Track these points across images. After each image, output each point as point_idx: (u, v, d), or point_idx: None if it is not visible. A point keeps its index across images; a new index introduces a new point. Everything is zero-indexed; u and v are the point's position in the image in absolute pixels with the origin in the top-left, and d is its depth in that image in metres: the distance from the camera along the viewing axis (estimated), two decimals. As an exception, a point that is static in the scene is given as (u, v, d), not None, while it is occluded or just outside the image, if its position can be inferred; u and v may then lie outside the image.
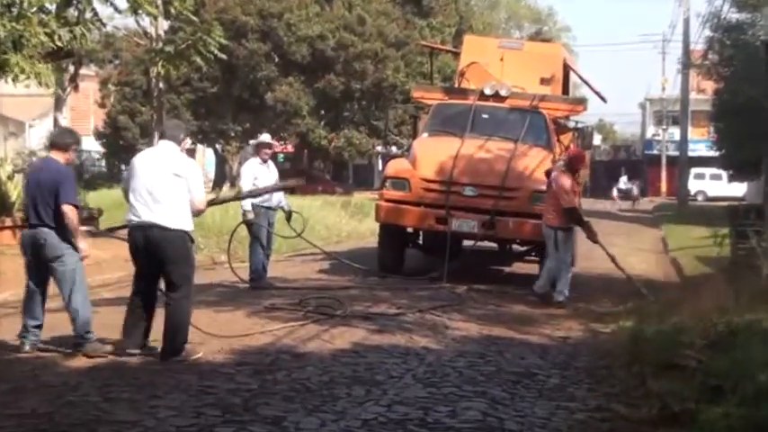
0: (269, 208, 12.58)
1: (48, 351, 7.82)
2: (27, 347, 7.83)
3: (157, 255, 7.60)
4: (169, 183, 7.53)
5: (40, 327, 8.00)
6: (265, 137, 13.29)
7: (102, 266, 14.11)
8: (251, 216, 12.39)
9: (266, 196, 12.46)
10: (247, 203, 12.36)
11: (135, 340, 7.71)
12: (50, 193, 7.71)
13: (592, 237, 12.20)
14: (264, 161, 12.65)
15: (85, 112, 46.69)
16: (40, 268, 7.90)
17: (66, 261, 7.84)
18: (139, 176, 7.63)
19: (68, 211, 7.71)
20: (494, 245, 15.50)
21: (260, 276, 12.53)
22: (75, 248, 7.87)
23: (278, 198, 12.74)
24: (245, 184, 12.51)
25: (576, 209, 11.87)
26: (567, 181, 11.70)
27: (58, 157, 7.99)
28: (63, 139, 8.19)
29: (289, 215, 12.90)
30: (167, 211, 7.50)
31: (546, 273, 12.08)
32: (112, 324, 8.96)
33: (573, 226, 12.11)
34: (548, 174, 12.36)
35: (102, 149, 44.56)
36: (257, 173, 12.51)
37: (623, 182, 58.76)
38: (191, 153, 54.78)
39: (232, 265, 12.64)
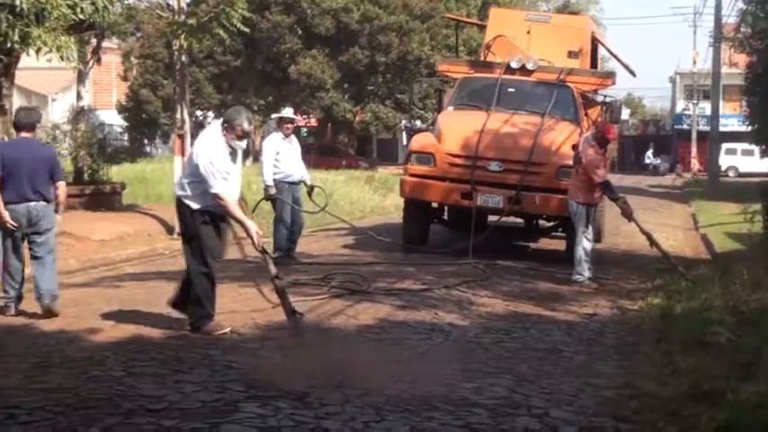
0: (292, 183, 12.62)
1: (72, 326, 7.89)
2: (12, 312, 8.39)
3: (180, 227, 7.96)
4: (190, 160, 7.73)
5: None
6: (288, 111, 13.31)
7: (126, 241, 14.25)
8: (273, 191, 12.45)
9: (288, 171, 12.50)
10: (269, 179, 12.41)
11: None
12: (47, 171, 8.53)
13: (627, 213, 11.84)
14: (287, 136, 12.66)
15: (108, 85, 46.78)
16: (24, 240, 8.54)
17: (53, 232, 8.71)
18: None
19: (64, 186, 8.84)
20: (520, 220, 15.48)
21: (284, 253, 12.58)
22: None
23: (301, 172, 12.76)
24: (267, 160, 12.54)
25: (609, 183, 11.71)
26: (596, 155, 11.55)
27: (31, 136, 8.68)
28: (31, 119, 8.79)
29: (310, 189, 12.94)
30: (182, 183, 7.70)
31: (583, 255, 11.70)
32: (134, 299, 9.11)
33: (597, 203, 12.00)
34: (575, 148, 12.24)
35: (124, 123, 44.68)
36: (279, 148, 12.53)
37: (648, 156, 58.50)
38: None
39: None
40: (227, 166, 7.57)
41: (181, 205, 7.69)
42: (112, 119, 42.55)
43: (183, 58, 17.02)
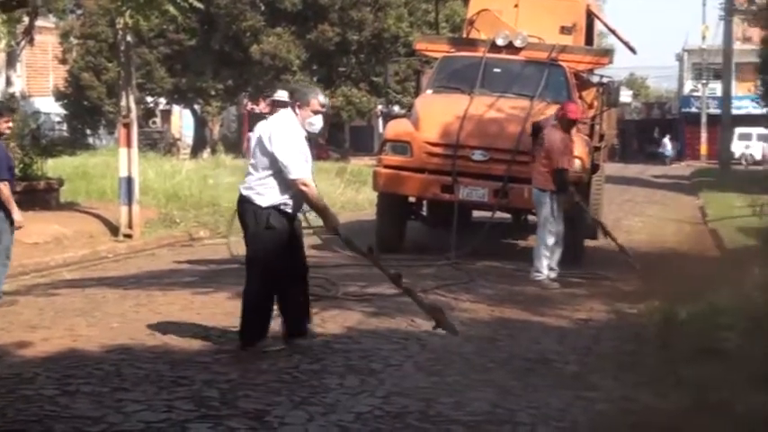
0: None
1: None
2: None
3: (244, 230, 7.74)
4: (258, 152, 7.50)
5: None
6: (282, 94, 13.25)
7: (64, 244, 14.17)
8: None
9: None
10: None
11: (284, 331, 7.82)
12: None
13: (568, 205, 11.86)
14: None
15: (44, 68, 46.49)
16: None
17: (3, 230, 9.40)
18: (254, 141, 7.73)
19: (2, 188, 9.39)
20: (507, 216, 15.52)
21: None
22: (11, 221, 9.50)
23: None
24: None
25: (565, 171, 11.63)
26: (558, 137, 11.62)
27: None
28: None
29: None
30: (250, 181, 7.49)
31: (546, 249, 11.76)
32: (71, 309, 9.09)
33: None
34: (535, 128, 12.26)
35: (63, 111, 44.42)
36: None
37: (666, 145, 58.71)
38: (165, 114, 54.93)
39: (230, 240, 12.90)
40: (305, 148, 7.53)
41: (244, 203, 7.51)
42: (49, 106, 42.32)
43: (129, 37, 16.93)
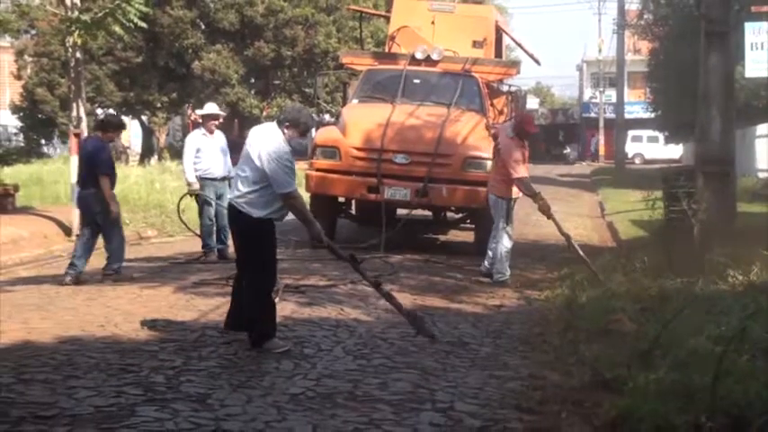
0: (214, 179, 12.55)
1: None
2: None
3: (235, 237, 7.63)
4: (248, 167, 7.27)
5: None
6: (211, 107, 13.20)
7: (20, 244, 13.91)
8: (196, 187, 12.44)
9: (210, 167, 12.45)
10: (191, 175, 12.42)
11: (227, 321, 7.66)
12: None
13: (545, 210, 11.38)
14: (211, 132, 12.63)
15: (0, 84, 45.59)
16: None
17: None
18: (243, 153, 7.46)
19: (105, 180, 10.32)
20: (428, 213, 15.56)
21: (210, 249, 12.57)
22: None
23: (225, 168, 12.63)
24: (187, 158, 12.66)
25: (526, 179, 11.30)
26: (516, 149, 11.22)
27: None
28: None
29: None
30: (242, 193, 7.26)
31: (503, 252, 11.36)
32: (27, 304, 8.91)
33: (517, 197, 11.87)
34: (495, 138, 11.91)
35: (19, 123, 43.57)
36: (200, 144, 12.53)
37: (594, 143, 59.63)
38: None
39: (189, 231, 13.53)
40: (291, 162, 7.26)
41: (239, 215, 7.28)
42: (6, 119, 41.55)
43: (78, 54, 16.69)
